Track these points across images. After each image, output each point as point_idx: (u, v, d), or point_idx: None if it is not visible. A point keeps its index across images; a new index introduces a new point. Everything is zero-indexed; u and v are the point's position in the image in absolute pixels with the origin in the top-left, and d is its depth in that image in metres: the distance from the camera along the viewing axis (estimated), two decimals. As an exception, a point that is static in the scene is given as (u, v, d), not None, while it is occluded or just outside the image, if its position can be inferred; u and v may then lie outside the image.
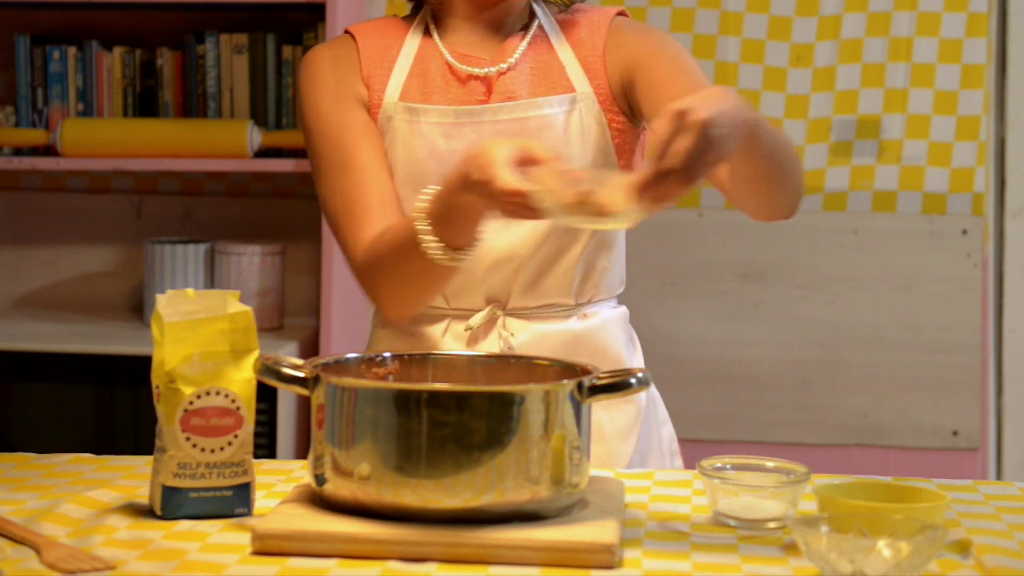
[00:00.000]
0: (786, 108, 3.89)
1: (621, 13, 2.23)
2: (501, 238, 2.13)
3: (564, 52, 2.19)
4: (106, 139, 3.74)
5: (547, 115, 2.14)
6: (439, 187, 1.95)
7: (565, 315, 2.19)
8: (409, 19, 2.25)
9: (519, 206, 1.82)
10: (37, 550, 1.61)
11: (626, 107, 2.17)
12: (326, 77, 2.19)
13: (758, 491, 1.74)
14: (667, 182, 1.68)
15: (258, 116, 3.81)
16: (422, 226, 1.96)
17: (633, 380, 1.71)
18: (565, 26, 2.21)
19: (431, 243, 1.96)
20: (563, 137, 2.14)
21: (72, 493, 1.83)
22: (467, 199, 1.89)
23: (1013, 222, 3.92)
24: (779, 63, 3.89)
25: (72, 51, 3.82)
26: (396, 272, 2.04)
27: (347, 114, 2.16)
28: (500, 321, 2.16)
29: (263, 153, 3.76)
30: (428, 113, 2.15)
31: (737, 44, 3.90)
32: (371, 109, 2.17)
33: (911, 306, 3.90)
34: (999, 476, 3.91)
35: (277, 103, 3.82)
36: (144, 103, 3.86)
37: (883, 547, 1.52)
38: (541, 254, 2.16)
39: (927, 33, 3.86)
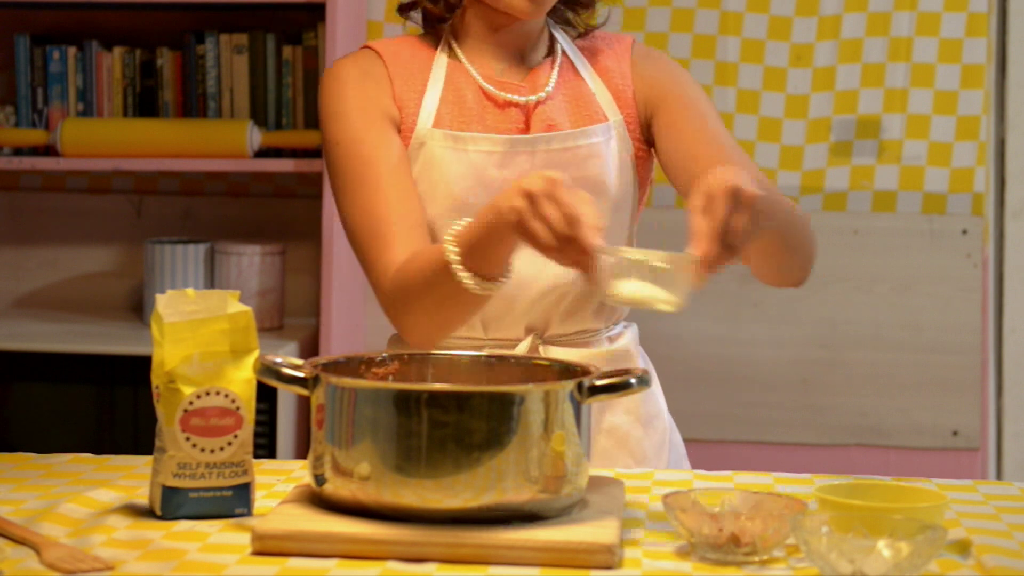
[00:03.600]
0: (786, 108, 3.89)
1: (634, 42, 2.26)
2: (545, 269, 2.11)
3: (593, 81, 2.19)
4: (106, 139, 3.74)
5: (593, 143, 2.15)
6: (477, 216, 1.91)
7: (596, 340, 2.20)
8: (428, 38, 2.21)
9: (575, 256, 1.78)
10: (37, 550, 1.61)
11: (647, 137, 2.20)
12: (353, 92, 2.14)
13: (648, 260, 1.74)
14: (723, 257, 1.76)
15: (258, 116, 3.81)
16: (454, 255, 1.91)
17: (633, 380, 1.71)
18: (587, 53, 2.22)
19: (463, 272, 1.91)
20: (606, 166, 2.15)
21: (72, 493, 1.83)
22: (506, 231, 1.85)
23: (1013, 222, 3.92)
24: (779, 63, 3.89)
25: (72, 51, 3.82)
26: (425, 299, 1.99)
27: (377, 132, 2.12)
28: (539, 350, 2.16)
29: (263, 153, 3.76)
30: (477, 141, 2.13)
31: (737, 44, 3.90)
32: (402, 131, 2.14)
33: (911, 306, 3.90)
34: (999, 476, 3.91)
35: (277, 103, 3.82)
36: (144, 103, 3.86)
37: (883, 547, 1.52)
38: (581, 282, 2.16)
39: (927, 33, 3.86)
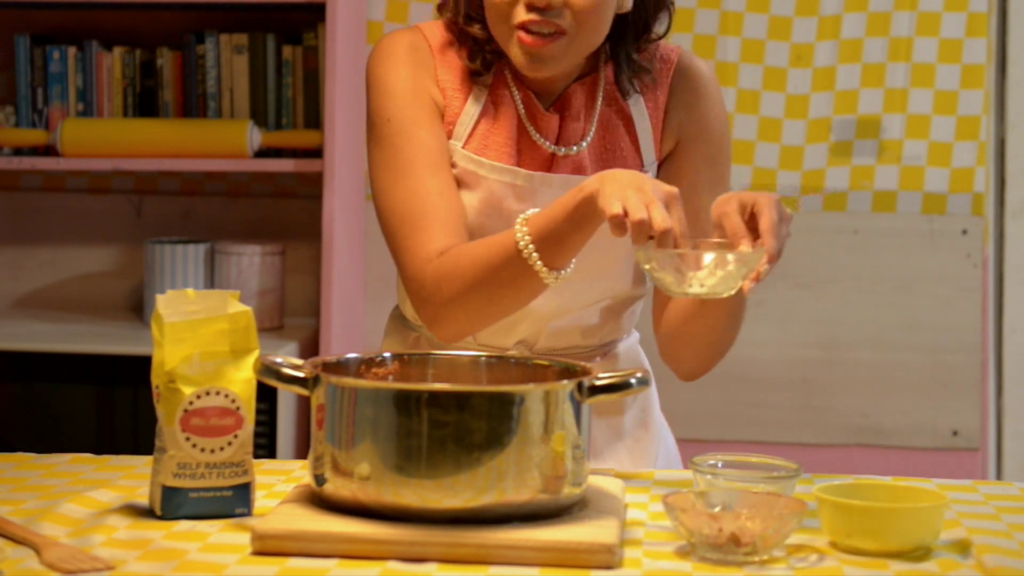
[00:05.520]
0: (786, 108, 3.89)
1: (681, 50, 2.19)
2: (548, 299, 2.10)
3: (639, 114, 2.14)
4: (106, 139, 3.74)
5: None
6: (554, 204, 1.94)
7: (588, 354, 2.19)
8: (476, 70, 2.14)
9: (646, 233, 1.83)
10: (37, 550, 1.61)
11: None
12: (406, 71, 2.11)
13: (750, 487, 1.75)
14: (777, 255, 1.89)
15: (258, 116, 3.81)
16: (526, 240, 1.93)
17: (633, 380, 1.71)
18: (632, 72, 2.14)
19: (535, 257, 1.93)
20: None
21: (72, 493, 1.83)
22: (585, 223, 1.91)
23: (1013, 222, 3.92)
24: (779, 63, 3.89)
25: (72, 51, 3.82)
26: (479, 287, 1.99)
27: (429, 118, 2.10)
28: None
29: (263, 153, 3.76)
30: (500, 172, 2.09)
31: (737, 44, 3.90)
32: (445, 126, 2.11)
33: (911, 306, 3.90)
34: (999, 476, 3.91)
35: (277, 103, 3.82)
36: (144, 103, 3.86)
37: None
38: (578, 312, 2.16)
39: (927, 33, 3.86)
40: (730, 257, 1.83)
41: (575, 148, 2.11)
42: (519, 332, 2.15)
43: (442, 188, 2.06)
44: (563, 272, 1.96)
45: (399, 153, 2.08)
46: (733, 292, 1.85)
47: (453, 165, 2.10)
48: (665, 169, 2.16)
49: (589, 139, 2.12)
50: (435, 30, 2.16)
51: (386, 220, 2.09)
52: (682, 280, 1.83)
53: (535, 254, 1.94)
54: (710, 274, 1.83)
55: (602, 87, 2.14)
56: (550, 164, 2.12)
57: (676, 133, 2.16)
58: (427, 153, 2.08)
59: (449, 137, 2.11)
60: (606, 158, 2.13)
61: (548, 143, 2.11)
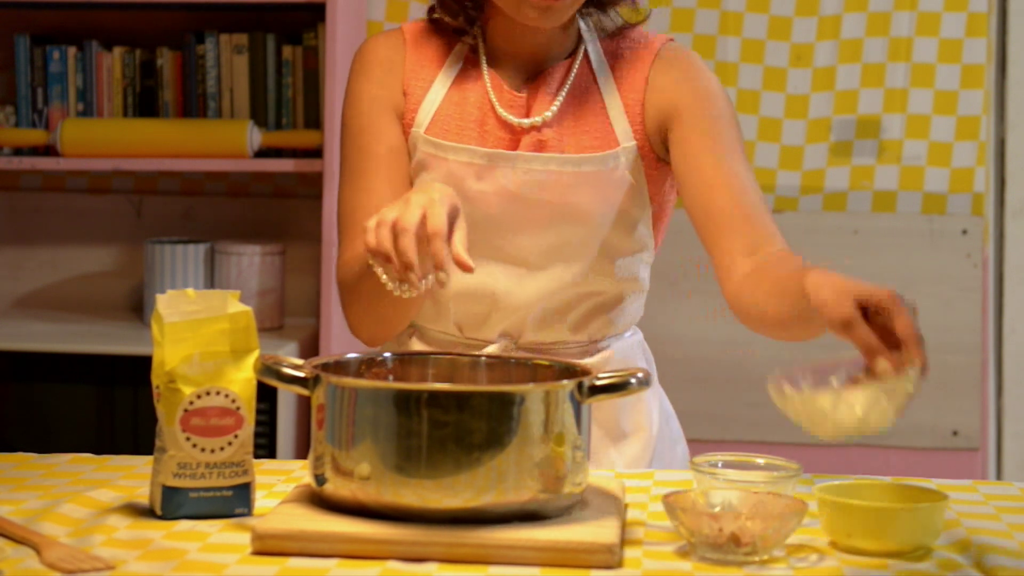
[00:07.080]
0: (786, 108, 3.89)
1: (669, 41, 2.18)
2: (522, 285, 2.12)
3: (610, 94, 2.14)
4: (106, 139, 3.74)
5: (584, 172, 2.10)
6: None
7: (579, 352, 2.18)
8: (459, 27, 2.17)
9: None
10: (37, 550, 1.61)
11: (661, 150, 2.15)
12: (373, 77, 2.16)
13: (750, 487, 1.75)
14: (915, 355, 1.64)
15: (258, 116, 3.81)
16: (372, 259, 1.83)
17: (633, 380, 1.71)
18: (610, 57, 2.16)
19: (383, 274, 1.84)
20: (598, 192, 2.11)
21: (72, 493, 1.83)
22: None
23: (1013, 222, 3.92)
24: (779, 63, 3.89)
25: (72, 51, 3.82)
26: (360, 293, 2.03)
27: (381, 123, 2.14)
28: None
29: (263, 153, 3.76)
30: (457, 152, 2.11)
31: (737, 44, 3.90)
32: (405, 121, 2.15)
33: (911, 306, 3.90)
34: (999, 476, 3.91)
35: (277, 103, 3.82)
36: (144, 103, 3.86)
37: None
38: (556, 299, 2.15)
39: (927, 33, 3.86)
40: (883, 397, 1.58)
41: (539, 119, 2.11)
42: (494, 324, 2.15)
43: (383, 194, 2.09)
44: (417, 286, 1.80)
45: (346, 159, 2.16)
46: (887, 425, 1.61)
47: (415, 147, 2.13)
48: (671, 142, 2.13)
49: (553, 110, 2.12)
50: (416, 26, 2.20)
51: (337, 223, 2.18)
52: (824, 427, 1.63)
53: (379, 268, 1.84)
54: (861, 415, 1.61)
55: (577, 66, 2.15)
56: (518, 142, 2.12)
57: (665, 108, 2.13)
58: (370, 160, 2.12)
59: (411, 126, 2.14)
60: (577, 133, 2.12)
61: (515, 118, 2.12)
